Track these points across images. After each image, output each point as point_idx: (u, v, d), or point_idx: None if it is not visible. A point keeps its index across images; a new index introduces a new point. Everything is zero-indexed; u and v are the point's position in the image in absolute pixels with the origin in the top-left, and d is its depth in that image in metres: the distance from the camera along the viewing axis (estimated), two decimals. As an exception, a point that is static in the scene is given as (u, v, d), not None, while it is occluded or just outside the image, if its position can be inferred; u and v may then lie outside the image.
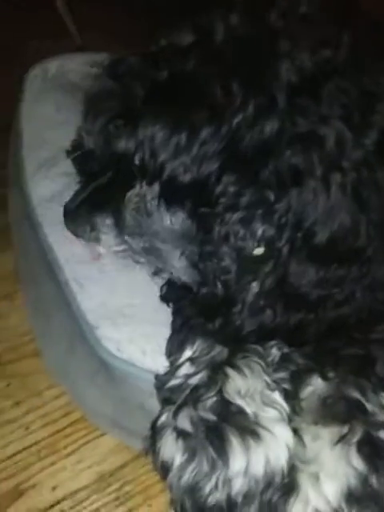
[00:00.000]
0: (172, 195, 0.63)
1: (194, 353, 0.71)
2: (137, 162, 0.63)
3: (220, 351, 0.70)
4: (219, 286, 0.65)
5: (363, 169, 0.62)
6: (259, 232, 0.61)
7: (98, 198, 0.71)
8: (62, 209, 0.92)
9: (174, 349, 0.74)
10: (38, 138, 1.07)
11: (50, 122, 1.10)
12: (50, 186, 0.97)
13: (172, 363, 0.73)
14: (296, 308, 0.66)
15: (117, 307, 0.77)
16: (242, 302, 0.66)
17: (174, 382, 0.70)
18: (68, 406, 0.98)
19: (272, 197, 0.60)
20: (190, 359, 0.70)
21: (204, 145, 0.60)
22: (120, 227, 0.69)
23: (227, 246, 0.62)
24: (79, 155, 1.01)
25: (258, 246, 0.62)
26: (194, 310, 0.70)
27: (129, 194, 0.66)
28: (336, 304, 0.67)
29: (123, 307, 0.77)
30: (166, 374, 0.72)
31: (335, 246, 0.63)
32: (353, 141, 0.61)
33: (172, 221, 0.65)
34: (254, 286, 0.65)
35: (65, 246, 0.84)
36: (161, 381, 0.72)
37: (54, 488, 0.91)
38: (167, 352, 0.74)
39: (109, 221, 0.70)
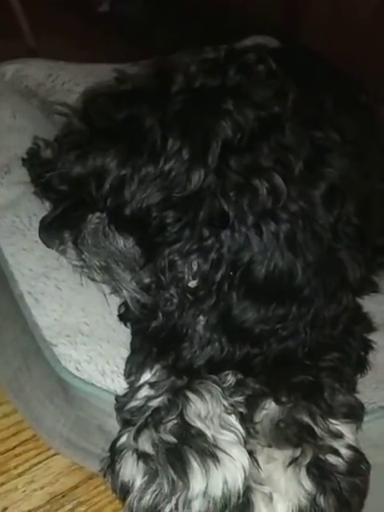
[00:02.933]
0: (119, 223, 0.68)
1: (153, 376, 0.72)
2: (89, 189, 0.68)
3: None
4: (162, 317, 0.69)
5: (301, 219, 0.66)
6: (194, 265, 0.66)
7: (68, 215, 0.73)
8: (16, 219, 0.89)
9: (132, 370, 0.74)
10: (-8, 145, 1.03)
11: (5, 128, 1.06)
12: (4, 194, 0.93)
13: (131, 384, 0.73)
14: (241, 341, 0.71)
15: (74, 324, 0.75)
16: (191, 336, 0.69)
17: (134, 404, 0.70)
18: (19, 424, 0.94)
19: (207, 234, 0.65)
20: (150, 383, 0.71)
21: (143, 182, 0.65)
22: (79, 244, 0.72)
23: (168, 275, 0.66)
24: (34, 164, 0.99)
25: (194, 278, 0.67)
26: (148, 342, 0.73)
27: (90, 215, 0.70)
28: (280, 339, 0.71)
29: (80, 325, 0.75)
30: (125, 395, 0.72)
31: (272, 285, 0.67)
32: (293, 192, 0.65)
33: (125, 245, 0.70)
34: (201, 320, 0.69)
35: (21, 258, 0.81)
36: (121, 402, 0.71)
37: (4, 509, 0.87)
38: (126, 373, 0.75)
39: (71, 237, 0.71)
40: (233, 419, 0.69)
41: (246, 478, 0.65)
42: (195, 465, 0.64)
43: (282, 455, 0.67)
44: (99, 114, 0.71)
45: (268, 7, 1.55)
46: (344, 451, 0.67)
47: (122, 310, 0.78)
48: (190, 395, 0.68)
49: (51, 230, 0.74)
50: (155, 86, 0.70)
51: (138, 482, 0.65)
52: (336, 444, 0.67)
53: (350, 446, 0.68)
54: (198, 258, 0.66)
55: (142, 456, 0.65)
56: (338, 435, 0.68)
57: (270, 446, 0.69)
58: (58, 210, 0.75)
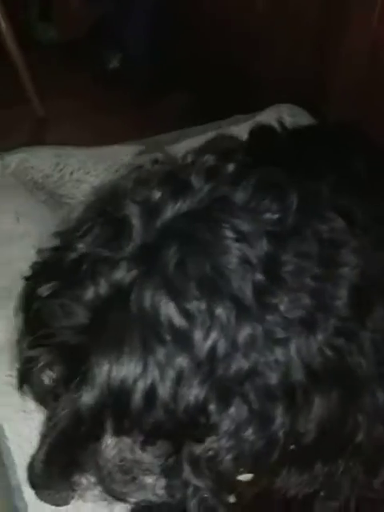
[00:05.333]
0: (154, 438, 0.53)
1: None
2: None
3: None
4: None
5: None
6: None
7: (69, 455, 0.55)
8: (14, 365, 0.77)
9: None
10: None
11: (7, 237, 0.95)
12: (3, 329, 0.81)
13: None
14: None
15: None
16: None
17: None
18: None
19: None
20: None
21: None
22: (100, 482, 0.56)
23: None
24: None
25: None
26: None
27: (103, 445, 0.54)
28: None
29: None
30: None
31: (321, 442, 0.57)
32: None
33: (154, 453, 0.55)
34: None
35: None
36: None
37: None
38: None
39: (91, 478, 0.56)
40: None
41: None
42: None
43: None
44: None
45: (294, 73, 1.44)
46: None
47: None
48: None
49: (52, 482, 0.56)
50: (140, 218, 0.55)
51: None
52: None
53: None
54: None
55: None
56: None
57: None
58: (48, 442, 0.54)
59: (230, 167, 0.58)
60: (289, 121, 1.26)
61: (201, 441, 0.52)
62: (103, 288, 0.51)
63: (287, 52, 1.47)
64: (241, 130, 1.29)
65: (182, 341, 0.49)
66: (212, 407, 0.50)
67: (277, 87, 1.48)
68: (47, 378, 0.55)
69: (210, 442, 0.52)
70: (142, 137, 1.32)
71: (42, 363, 0.54)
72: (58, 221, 1.06)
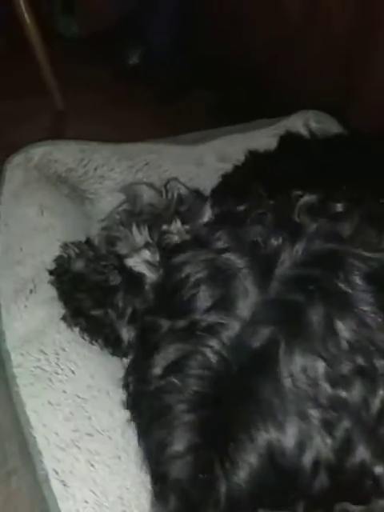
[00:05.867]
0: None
1: None
2: None
3: None
4: None
5: None
6: None
7: None
8: (41, 356, 0.76)
9: None
10: (16, 250, 0.91)
11: (31, 229, 0.94)
12: (27, 321, 0.80)
13: None
14: None
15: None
16: None
17: None
18: None
19: None
20: None
21: None
22: None
23: None
24: (63, 279, 0.86)
25: None
26: None
27: None
28: None
29: None
30: None
31: None
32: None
33: None
34: None
35: (46, 418, 0.68)
36: None
37: None
38: None
39: None
40: None
41: None
42: None
43: None
44: None
45: (319, 81, 1.43)
46: None
47: None
48: None
49: None
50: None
51: None
52: None
53: None
54: None
55: None
56: None
57: None
58: None
59: (339, 207, 0.56)
60: (315, 127, 1.25)
61: (363, 503, 0.49)
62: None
63: (314, 60, 1.46)
64: (263, 134, 1.27)
65: (340, 404, 0.46)
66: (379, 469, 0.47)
67: (301, 93, 1.47)
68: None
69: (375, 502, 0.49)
70: (163, 134, 1.31)
71: None
72: (81, 215, 1.06)
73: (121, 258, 0.87)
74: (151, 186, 1.00)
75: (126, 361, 0.80)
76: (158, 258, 0.87)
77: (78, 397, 0.70)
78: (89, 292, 0.83)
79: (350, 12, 1.36)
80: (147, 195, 0.96)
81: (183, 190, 0.97)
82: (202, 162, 1.18)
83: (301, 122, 1.26)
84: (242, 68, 1.66)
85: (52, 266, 0.87)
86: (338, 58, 1.41)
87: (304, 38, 1.49)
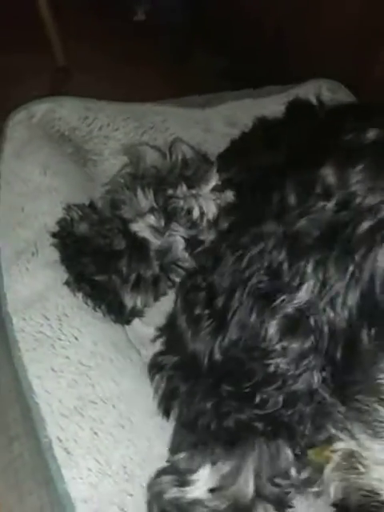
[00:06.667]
0: None
1: (214, 480, 0.59)
2: None
3: (245, 481, 0.60)
4: None
5: None
6: None
7: None
8: (44, 322, 0.74)
9: (182, 451, 0.61)
10: (18, 210, 0.88)
11: (34, 189, 0.91)
12: (30, 284, 0.78)
13: (176, 467, 0.61)
14: None
15: (115, 494, 0.59)
16: None
17: (179, 497, 0.59)
18: None
19: None
20: (211, 490, 0.59)
21: None
22: None
23: None
24: (67, 242, 0.84)
25: None
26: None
27: None
28: None
29: (123, 496, 0.59)
30: (165, 472, 0.60)
31: None
32: None
33: None
34: None
35: (49, 384, 0.66)
36: (158, 484, 0.60)
37: None
38: (173, 448, 0.62)
39: None
40: None
41: None
42: None
43: None
44: None
45: (333, 51, 1.38)
46: None
47: None
48: None
49: None
50: None
51: None
52: None
53: None
54: None
55: None
56: None
57: None
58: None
59: None
60: (327, 96, 1.21)
61: None
62: None
63: (326, 32, 1.41)
64: (273, 101, 1.24)
65: None
66: None
67: (313, 63, 1.42)
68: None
69: None
70: (169, 94, 1.26)
71: None
72: (84, 177, 1.02)
73: (125, 221, 0.86)
74: (155, 147, 0.97)
75: (128, 328, 0.79)
76: (162, 223, 0.86)
77: (82, 364, 0.69)
78: (92, 256, 0.81)
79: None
80: (150, 157, 0.94)
81: (189, 153, 0.95)
82: (209, 128, 1.15)
83: (312, 91, 1.22)
84: (250, 34, 1.60)
85: (55, 229, 0.85)
86: (352, 31, 1.37)
87: (315, 8, 1.43)
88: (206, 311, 0.57)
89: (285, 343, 0.52)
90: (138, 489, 0.60)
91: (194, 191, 0.88)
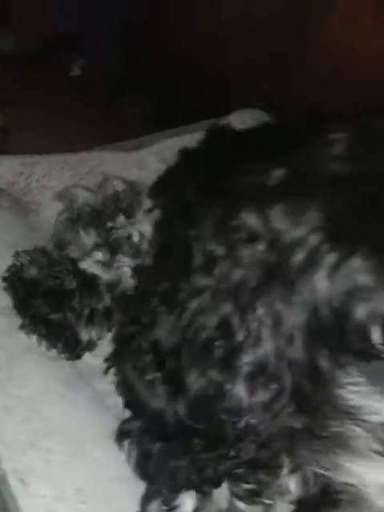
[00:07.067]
0: None
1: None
2: None
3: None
4: None
5: None
6: None
7: None
8: None
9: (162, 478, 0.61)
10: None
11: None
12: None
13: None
14: None
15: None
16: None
17: None
18: None
19: None
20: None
21: None
22: None
23: None
24: (17, 286, 0.87)
25: None
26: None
27: None
28: None
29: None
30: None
31: None
32: None
33: None
34: None
35: (2, 423, 0.69)
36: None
37: None
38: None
39: None
40: None
41: None
42: None
43: None
44: None
45: (255, 75, 1.48)
46: None
47: None
48: None
49: None
50: None
51: None
52: None
53: None
54: None
55: None
56: None
57: None
58: None
59: None
60: (251, 125, 1.29)
61: None
62: None
63: (246, 63, 1.51)
64: (198, 135, 1.31)
65: None
66: None
67: (238, 94, 1.52)
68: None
69: None
70: (105, 142, 1.33)
71: None
72: (24, 227, 1.07)
73: (73, 261, 0.90)
74: (86, 188, 1.03)
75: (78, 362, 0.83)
76: (108, 256, 0.90)
77: (34, 401, 0.72)
78: (45, 297, 0.85)
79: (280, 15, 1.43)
80: (82, 197, 0.99)
81: (120, 186, 1.00)
82: (143, 166, 1.21)
83: (237, 121, 1.30)
84: (183, 73, 1.70)
85: (5, 274, 0.88)
86: (272, 59, 1.47)
87: (235, 41, 1.54)
88: (158, 374, 0.55)
89: (253, 399, 0.50)
90: (94, 510, 0.62)
91: (132, 220, 0.93)
